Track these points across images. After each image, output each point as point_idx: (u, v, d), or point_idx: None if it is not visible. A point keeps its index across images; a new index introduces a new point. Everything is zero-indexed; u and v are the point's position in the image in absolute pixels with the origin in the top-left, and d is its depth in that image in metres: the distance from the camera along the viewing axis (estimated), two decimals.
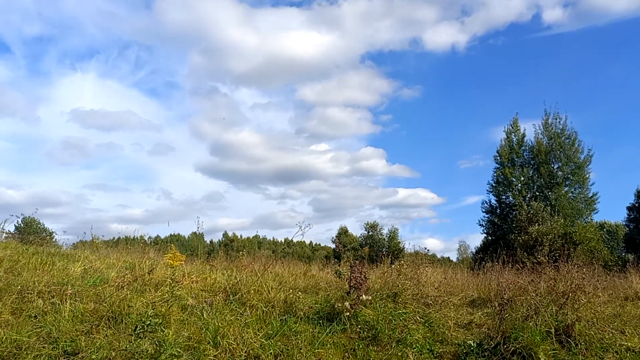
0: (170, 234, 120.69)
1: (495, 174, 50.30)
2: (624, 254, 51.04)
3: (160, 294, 8.35)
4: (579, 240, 35.60)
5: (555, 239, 34.91)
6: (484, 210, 50.53)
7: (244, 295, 8.40)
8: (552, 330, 7.40)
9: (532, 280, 9.03)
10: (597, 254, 34.38)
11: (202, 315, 7.48)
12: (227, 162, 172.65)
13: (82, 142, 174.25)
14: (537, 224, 36.53)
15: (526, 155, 49.96)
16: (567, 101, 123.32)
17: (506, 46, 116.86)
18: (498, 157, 50.56)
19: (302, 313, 8.02)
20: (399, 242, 58.93)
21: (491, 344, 7.29)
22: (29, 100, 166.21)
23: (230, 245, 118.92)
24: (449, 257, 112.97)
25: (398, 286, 9.26)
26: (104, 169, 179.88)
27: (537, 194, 47.62)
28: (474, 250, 66.01)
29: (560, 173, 47.36)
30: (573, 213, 45.48)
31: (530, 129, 53.88)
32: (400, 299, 8.92)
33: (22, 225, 78.84)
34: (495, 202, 49.87)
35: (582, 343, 7.25)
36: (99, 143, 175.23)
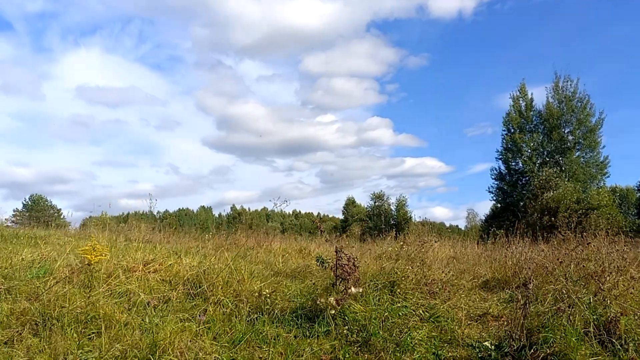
0: (179, 208, 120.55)
1: (504, 141, 48.51)
2: (636, 219, 49.24)
3: (107, 287, 6.79)
4: (593, 207, 33.91)
5: (570, 205, 33.24)
6: (493, 177, 48.91)
7: (208, 289, 6.77)
8: (591, 329, 5.73)
9: (560, 261, 7.33)
10: (612, 220, 32.68)
11: (150, 317, 5.89)
12: (233, 135, 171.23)
13: (88, 119, 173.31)
14: (550, 190, 34.77)
15: (535, 120, 48.04)
16: (574, 63, 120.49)
17: (513, 10, 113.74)
18: (506, 124, 48.73)
19: (277, 311, 6.38)
20: (407, 212, 57.41)
21: (513, 346, 5.65)
22: (34, 78, 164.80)
23: (238, 218, 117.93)
24: (457, 226, 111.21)
25: (397, 273, 7.60)
26: (111, 145, 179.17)
27: (547, 159, 45.82)
28: (482, 218, 64.56)
29: (571, 137, 45.49)
30: (585, 178, 43.71)
31: (538, 94, 51.84)
32: (399, 290, 7.24)
33: (29, 203, 78.12)
34: (504, 169, 48.15)
35: (631, 344, 5.59)
36: (105, 119, 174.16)
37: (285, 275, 8.86)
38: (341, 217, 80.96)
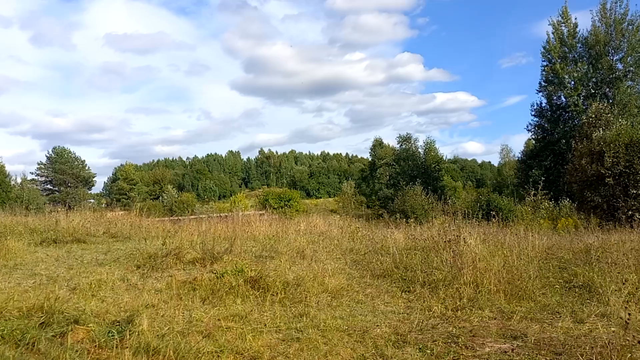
0: (207, 154, 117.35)
1: (543, 73, 42.66)
2: None
3: None
4: None
5: (620, 147, 27.91)
6: (532, 113, 43.32)
7: None
8: None
9: None
10: None
11: None
12: (261, 77, 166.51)
13: (119, 67, 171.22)
14: (601, 128, 29.46)
15: (579, 48, 41.98)
16: None
17: None
18: (546, 53, 42.73)
19: None
20: (437, 154, 52.36)
21: None
22: (64, 27, 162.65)
23: (266, 162, 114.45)
24: (490, 162, 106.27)
25: None
26: (143, 92, 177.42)
27: (593, 91, 40.08)
28: (518, 155, 59.34)
29: (621, 66, 39.50)
30: (638, 112, 37.92)
31: (582, 19, 45.38)
32: None
33: (53, 155, 75.57)
34: (545, 104, 42.54)
35: None
36: (135, 67, 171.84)
37: None
38: (369, 158, 76.23)
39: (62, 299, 5.44)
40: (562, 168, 37.59)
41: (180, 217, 19.71)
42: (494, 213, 12.79)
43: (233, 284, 6.16)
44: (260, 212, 20.47)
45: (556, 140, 40.82)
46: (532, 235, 9.48)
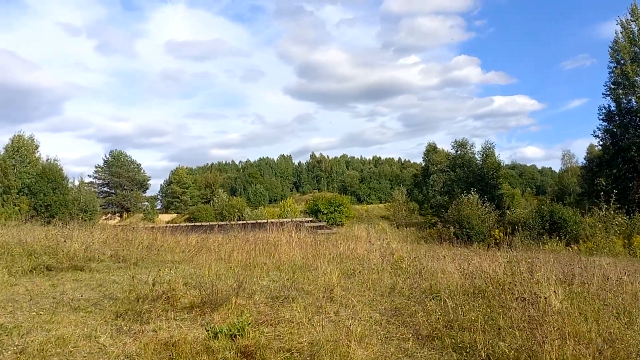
0: (259, 158, 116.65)
1: (612, 74, 39.27)
2: None
3: None
4: None
5: None
6: (600, 117, 39.91)
7: None
8: None
9: None
10: None
11: None
12: (314, 82, 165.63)
13: (178, 73, 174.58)
14: None
15: None
16: None
17: None
18: (614, 54, 39.36)
19: None
20: (495, 160, 49.16)
21: None
22: (127, 36, 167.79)
23: (318, 166, 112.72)
24: (550, 168, 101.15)
25: None
26: (200, 97, 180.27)
27: None
28: (582, 161, 55.67)
29: None
30: None
31: None
32: None
33: (110, 158, 76.54)
34: (614, 108, 39.11)
35: None
36: (193, 73, 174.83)
37: None
38: (422, 163, 73.38)
39: None
40: (633, 178, 34.45)
41: (211, 224, 18.19)
42: (563, 235, 10.74)
43: (220, 356, 4.46)
44: (299, 219, 18.75)
45: (626, 147, 37.47)
46: (626, 275, 7.39)
